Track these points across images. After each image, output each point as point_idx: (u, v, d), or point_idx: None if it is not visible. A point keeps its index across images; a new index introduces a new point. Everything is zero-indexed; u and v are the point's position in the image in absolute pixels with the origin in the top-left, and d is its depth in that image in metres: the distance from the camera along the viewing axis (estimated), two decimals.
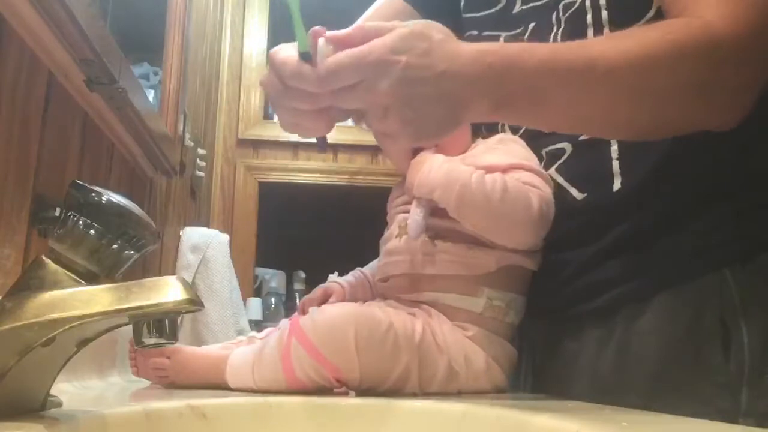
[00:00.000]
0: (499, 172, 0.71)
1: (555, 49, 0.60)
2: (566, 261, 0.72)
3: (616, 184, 0.69)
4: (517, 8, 0.81)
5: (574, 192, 0.73)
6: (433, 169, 0.71)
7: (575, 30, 0.72)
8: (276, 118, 0.62)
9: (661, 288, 0.66)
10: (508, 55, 0.55)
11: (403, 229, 0.77)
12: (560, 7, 0.74)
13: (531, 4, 0.79)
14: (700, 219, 0.65)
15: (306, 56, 0.56)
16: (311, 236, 2.19)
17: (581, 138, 0.72)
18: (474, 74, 0.54)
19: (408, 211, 0.76)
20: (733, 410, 0.60)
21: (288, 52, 0.59)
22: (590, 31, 0.70)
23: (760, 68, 0.59)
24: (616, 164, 0.69)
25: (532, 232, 0.71)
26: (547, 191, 0.72)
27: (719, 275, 0.64)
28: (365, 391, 0.67)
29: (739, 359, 0.62)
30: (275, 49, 0.62)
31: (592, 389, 0.68)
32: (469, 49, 0.55)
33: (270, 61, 0.61)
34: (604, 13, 0.70)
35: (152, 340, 0.41)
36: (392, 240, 0.78)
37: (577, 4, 0.72)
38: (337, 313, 0.66)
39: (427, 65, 0.53)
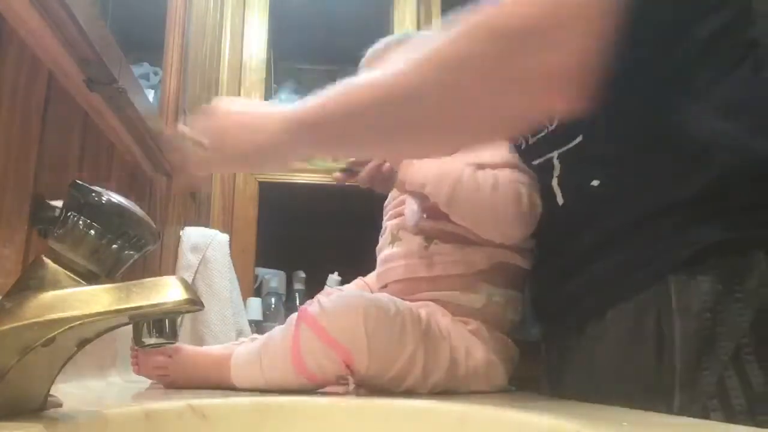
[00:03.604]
0: (489, 168, 0.72)
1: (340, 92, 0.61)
2: (546, 270, 0.75)
3: (559, 200, 0.70)
4: None
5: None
6: (425, 164, 0.72)
7: None
8: None
9: (618, 299, 0.66)
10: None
11: (396, 236, 0.78)
12: None
13: None
14: (647, 230, 0.65)
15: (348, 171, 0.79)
16: (311, 236, 2.19)
17: (534, 162, 0.74)
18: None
19: (401, 218, 0.77)
20: (668, 414, 0.58)
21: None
22: None
23: (576, 54, 0.49)
24: (555, 182, 0.71)
25: (520, 227, 0.73)
26: (534, 189, 0.73)
27: (662, 280, 0.63)
28: (366, 385, 0.67)
29: (670, 361, 0.61)
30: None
31: (571, 396, 0.69)
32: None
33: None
34: None
35: (152, 340, 0.41)
36: (386, 248, 0.79)
37: None
38: (345, 299, 0.67)
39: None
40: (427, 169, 0.71)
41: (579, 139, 0.68)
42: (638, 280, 0.65)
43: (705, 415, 0.58)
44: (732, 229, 0.62)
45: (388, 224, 0.81)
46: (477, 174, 0.71)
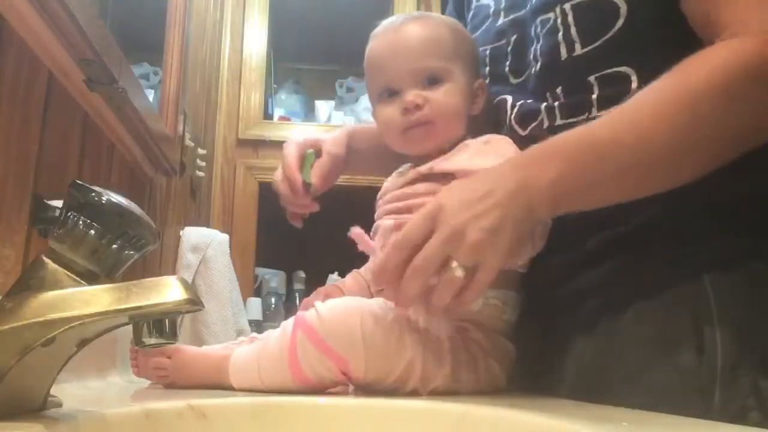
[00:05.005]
0: None
1: (590, 134, 0.62)
2: (549, 266, 0.73)
3: None
4: (500, 20, 0.82)
5: None
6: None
7: (550, 46, 0.73)
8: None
9: (639, 297, 0.67)
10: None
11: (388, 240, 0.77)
12: (538, 21, 0.75)
13: (511, 17, 0.80)
14: (679, 228, 0.66)
15: (308, 185, 0.84)
16: (311, 236, 2.19)
17: None
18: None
19: (394, 219, 0.76)
20: (706, 412, 0.59)
21: (292, 160, 0.84)
22: (562, 48, 0.72)
23: None
24: None
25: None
26: None
27: (697, 281, 0.64)
28: (366, 388, 0.67)
29: (711, 361, 0.61)
30: (284, 149, 0.86)
31: (571, 394, 0.69)
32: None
33: (284, 165, 0.84)
34: (573, 30, 0.71)
35: (152, 340, 0.41)
36: (379, 251, 0.78)
37: (551, 21, 0.73)
38: (342, 306, 0.66)
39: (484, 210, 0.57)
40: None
41: None
42: (669, 278, 0.65)
43: (743, 413, 0.60)
44: (763, 236, 0.64)
45: (381, 224, 0.80)
46: None
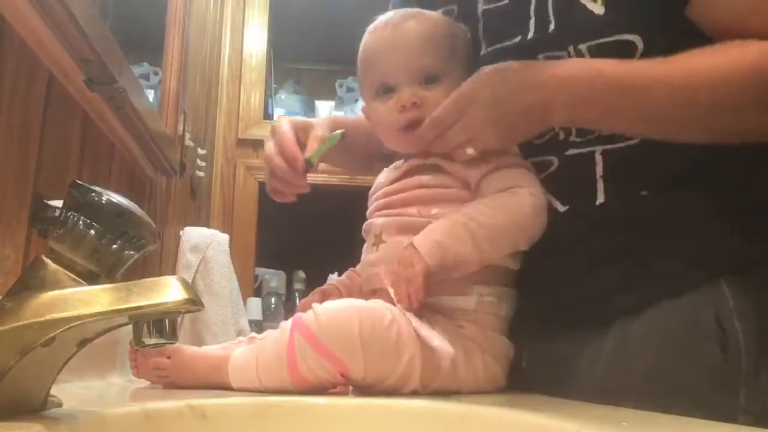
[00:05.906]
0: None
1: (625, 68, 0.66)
2: (562, 266, 0.73)
3: (599, 198, 0.70)
4: (483, 51, 0.81)
5: (557, 204, 0.73)
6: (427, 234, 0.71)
7: None
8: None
9: (658, 296, 0.67)
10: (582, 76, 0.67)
11: (379, 238, 0.77)
12: (541, 57, 0.73)
13: (497, 47, 0.79)
14: (693, 233, 0.67)
15: (309, 165, 0.78)
16: (311, 236, 2.19)
17: (568, 153, 0.73)
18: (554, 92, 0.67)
19: (384, 215, 0.77)
20: (733, 409, 0.61)
21: (290, 137, 0.79)
22: None
23: None
24: (600, 180, 0.70)
25: (532, 238, 0.72)
26: (537, 188, 0.73)
27: (715, 283, 0.65)
28: (365, 390, 0.67)
29: (736, 359, 0.63)
30: (278, 125, 0.81)
31: (586, 393, 0.68)
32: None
33: (277, 140, 0.80)
34: None
35: (152, 340, 0.41)
36: (370, 249, 0.78)
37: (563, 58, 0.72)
38: (340, 308, 0.66)
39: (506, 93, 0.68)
40: (431, 240, 0.69)
41: (634, 140, 0.69)
42: (688, 279, 0.66)
43: (765, 410, 0.61)
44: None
45: (372, 223, 0.80)
46: (478, 216, 0.70)
